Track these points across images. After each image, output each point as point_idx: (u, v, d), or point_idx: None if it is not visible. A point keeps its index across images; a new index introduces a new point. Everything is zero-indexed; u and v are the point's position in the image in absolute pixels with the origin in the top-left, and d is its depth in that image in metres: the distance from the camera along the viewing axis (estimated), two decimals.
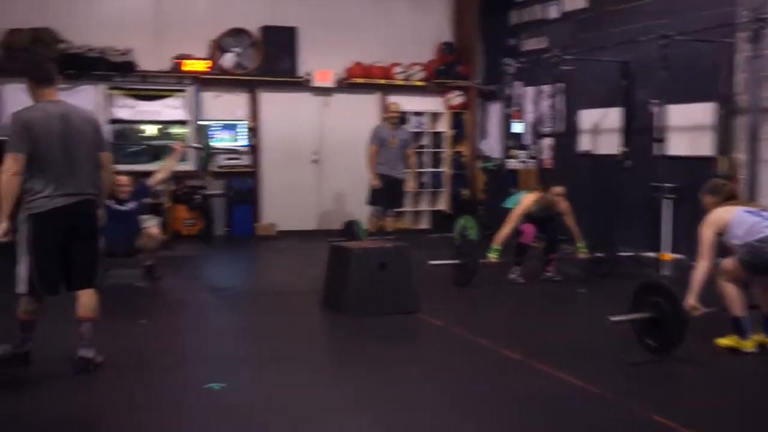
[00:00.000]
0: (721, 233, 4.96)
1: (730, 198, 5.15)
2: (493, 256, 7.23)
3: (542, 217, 7.47)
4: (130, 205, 7.30)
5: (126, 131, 10.72)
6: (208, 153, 7.73)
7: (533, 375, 4.53)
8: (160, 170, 7.68)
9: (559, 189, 7.51)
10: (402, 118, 9.81)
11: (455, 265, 7.29)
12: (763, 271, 4.89)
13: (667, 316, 4.77)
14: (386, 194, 9.40)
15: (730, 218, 4.94)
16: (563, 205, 7.54)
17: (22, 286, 4.46)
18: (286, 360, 4.85)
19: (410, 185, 9.65)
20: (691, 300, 4.82)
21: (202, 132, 7.94)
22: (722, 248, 5.05)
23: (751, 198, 7.11)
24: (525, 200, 7.48)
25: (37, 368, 4.56)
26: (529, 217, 7.38)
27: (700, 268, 4.87)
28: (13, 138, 4.30)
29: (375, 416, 3.91)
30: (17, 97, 9.85)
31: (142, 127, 10.75)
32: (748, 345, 4.91)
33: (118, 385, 4.35)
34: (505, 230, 7.33)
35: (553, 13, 10.63)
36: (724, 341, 5.01)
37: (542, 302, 6.79)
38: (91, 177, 4.53)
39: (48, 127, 4.37)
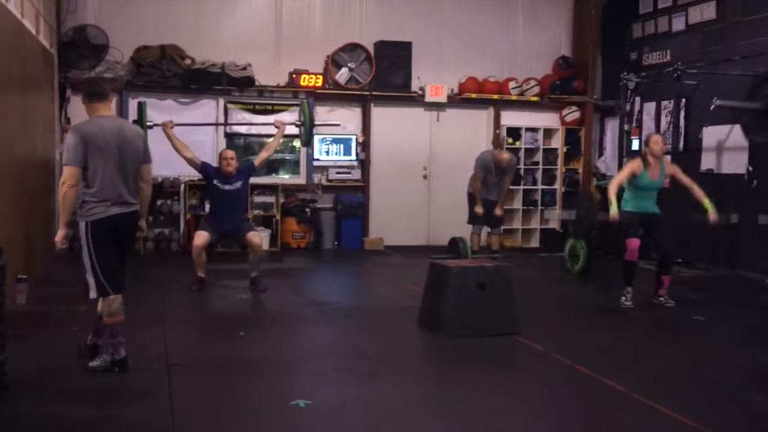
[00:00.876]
0: None
1: None
2: (613, 212, 6.88)
3: (649, 221, 6.99)
4: (237, 184, 7.52)
5: (242, 144, 11.06)
6: (309, 127, 7.79)
7: (638, 410, 4.22)
8: (265, 149, 7.91)
9: (655, 137, 7.06)
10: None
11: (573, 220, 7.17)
12: None
13: None
14: (485, 215, 9.37)
15: None
16: (669, 168, 7.09)
17: (93, 292, 4.70)
18: (377, 379, 4.78)
19: (498, 211, 9.47)
20: None
21: (304, 108, 8.02)
22: None
23: None
24: (628, 165, 7.13)
25: (129, 377, 4.69)
26: (635, 228, 6.93)
27: None
28: (71, 151, 4.51)
29: None
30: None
31: (258, 140, 11.06)
32: None
33: (205, 396, 4.39)
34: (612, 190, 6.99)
35: (678, 25, 10.15)
36: None
37: (652, 329, 6.39)
38: (137, 188, 4.79)
39: (105, 141, 4.57)
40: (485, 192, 9.34)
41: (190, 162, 7.81)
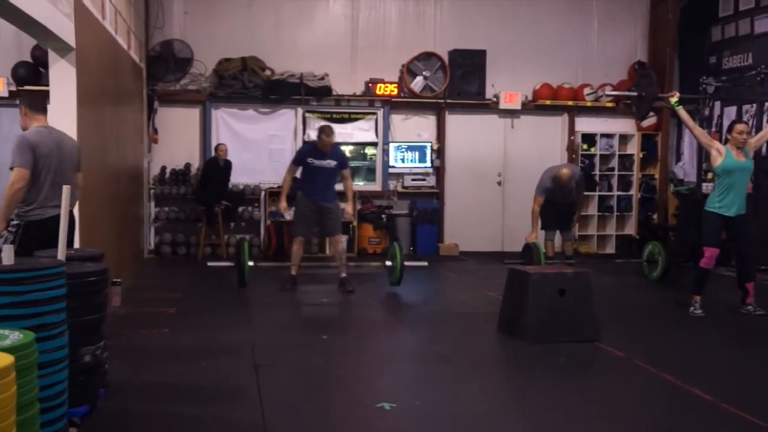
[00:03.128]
0: None
1: None
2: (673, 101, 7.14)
3: (737, 219, 6.74)
4: (329, 162, 7.82)
5: None
6: (399, 270, 7.93)
7: (727, 421, 4.17)
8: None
9: (741, 126, 6.82)
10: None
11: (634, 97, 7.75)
12: None
13: None
14: (554, 220, 9.28)
15: None
16: (751, 143, 6.81)
17: None
18: (458, 384, 4.87)
19: (574, 224, 9.50)
20: None
21: (395, 249, 8.07)
22: None
23: None
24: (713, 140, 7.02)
25: (219, 377, 4.90)
26: (717, 235, 6.74)
27: None
28: (23, 155, 4.82)
29: None
30: (225, 120, 10.84)
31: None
32: None
33: (293, 396, 4.56)
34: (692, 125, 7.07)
35: (761, 27, 9.94)
36: None
37: (736, 337, 6.30)
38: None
39: (48, 149, 4.91)
40: (554, 199, 9.09)
41: (294, 172, 8.13)
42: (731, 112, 10.22)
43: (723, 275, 6.92)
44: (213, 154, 10.46)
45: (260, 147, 10.98)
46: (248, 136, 10.94)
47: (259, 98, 10.74)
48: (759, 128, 9.27)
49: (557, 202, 9.20)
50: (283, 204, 7.98)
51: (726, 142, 6.92)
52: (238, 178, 10.62)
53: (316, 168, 7.81)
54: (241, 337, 5.92)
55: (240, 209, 10.65)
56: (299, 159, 8.01)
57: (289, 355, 5.52)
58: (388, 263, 7.90)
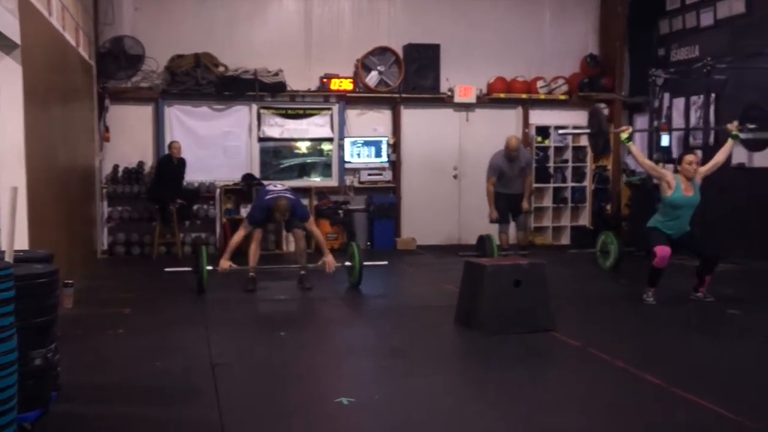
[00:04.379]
0: None
1: None
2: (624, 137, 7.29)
3: (687, 236, 7.00)
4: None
5: (275, 149, 11.26)
6: (358, 270, 7.81)
7: (678, 404, 4.27)
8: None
9: (690, 157, 6.96)
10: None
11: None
12: None
13: None
14: (506, 212, 9.45)
15: None
16: (701, 172, 6.94)
17: None
18: (416, 377, 4.89)
19: (525, 205, 9.63)
20: None
21: (353, 250, 7.90)
22: None
23: None
24: (666, 170, 7.14)
25: (175, 377, 4.86)
26: (669, 238, 6.89)
27: None
28: None
29: None
30: (178, 117, 10.71)
31: (290, 144, 11.26)
32: None
33: (251, 394, 4.53)
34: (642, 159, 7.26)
35: (707, 20, 10.15)
36: None
37: (688, 324, 6.44)
38: None
39: None
40: (503, 187, 9.40)
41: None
42: (680, 103, 10.42)
43: (679, 264, 7.06)
44: (167, 151, 10.33)
45: (215, 144, 10.88)
46: (202, 133, 10.83)
47: (213, 95, 10.64)
48: (706, 119, 9.50)
49: (509, 194, 9.32)
50: (226, 263, 7.52)
51: (677, 170, 7.03)
52: (193, 175, 10.51)
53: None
54: (198, 336, 5.87)
55: (195, 207, 10.54)
56: (255, 223, 7.78)
57: (246, 353, 5.49)
58: (347, 264, 7.88)
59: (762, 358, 5.29)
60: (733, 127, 7.30)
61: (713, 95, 9.66)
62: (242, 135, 10.96)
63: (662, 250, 6.73)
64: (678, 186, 6.83)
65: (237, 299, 7.41)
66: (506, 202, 9.41)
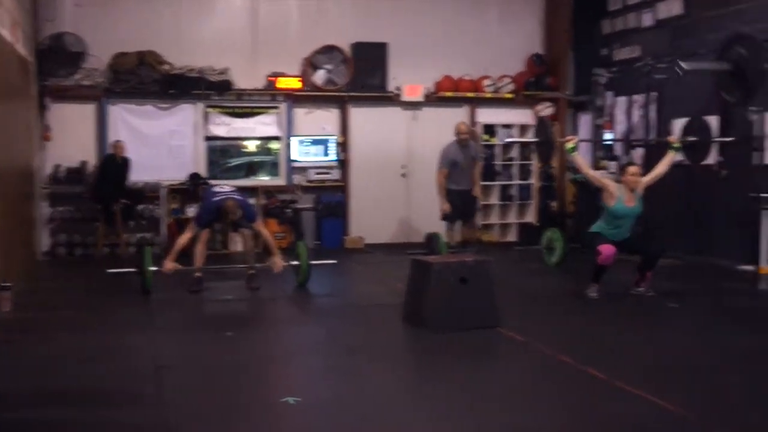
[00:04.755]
0: None
1: None
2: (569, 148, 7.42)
3: (629, 239, 7.13)
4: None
5: (222, 148, 11.15)
6: (305, 270, 7.80)
7: (619, 397, 4.36)
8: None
9: (632, 168, 7.15)
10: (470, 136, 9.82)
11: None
12: None
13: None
14: (458, 208, 9.51)
15: None
16: (642, 182, 7.11)
17: None
18: (363, 375, 4.90)
19: (476, 190, 9.84)
20: None
21: (300, 249, 7.91)
22: None
23: None
24: (609, 180, 7.26)
25: (123, 380, 4.78)
26: (613, 240, 7.01)
27: None
28: None
29: None
30: (122, 116, 10.53)
31: (238, 143, 11.17)
32: None
33: (197, 396, 4.49)
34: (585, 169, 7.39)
35: (647, 21, 10.37)
36: None
37: (629, 318, 6.59)
38: None
39: None
40: (454, 182, 9.46)
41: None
42: (622, 101, 10.62)
43: (622, 260, 7.22)
44: (110, 151, 10.14)
45: (160, 143, 10.71)
46: (147, 132, 10.65)
47: (158, 93, 10.48)
48: (647, 117, 9.71)
49: (460, 191, 9.40)
50: (171, 264, 7.39)
51: (620, 180, 7.17)
52: (137, 175, 10.34)
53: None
54: (143, 338, 5.79)
55: (140, 207, 10.37)
56: (203, 225, 7.66)
57: (192, 354, 5.43)
58: (295, 263, 7.84)
59: (700, 350, 5.44)
60: (674, 139, 7.53)
61: (654, 94, 9.86)
62: (188, 134, 10.82)
63: (607, 249, 6.87)
64: (620, 197, 7.00)
65: (183, 300, 7.32)
66: (458, 199, 9.46)
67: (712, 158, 8.80)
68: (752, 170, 7.88)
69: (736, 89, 5.44)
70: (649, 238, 7.33)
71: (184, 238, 7.58)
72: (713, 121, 8.77)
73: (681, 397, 4.28)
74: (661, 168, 7.22)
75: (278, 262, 7.63)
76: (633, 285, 7.20)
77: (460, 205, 9.51)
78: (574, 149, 7.42)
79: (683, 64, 5.60)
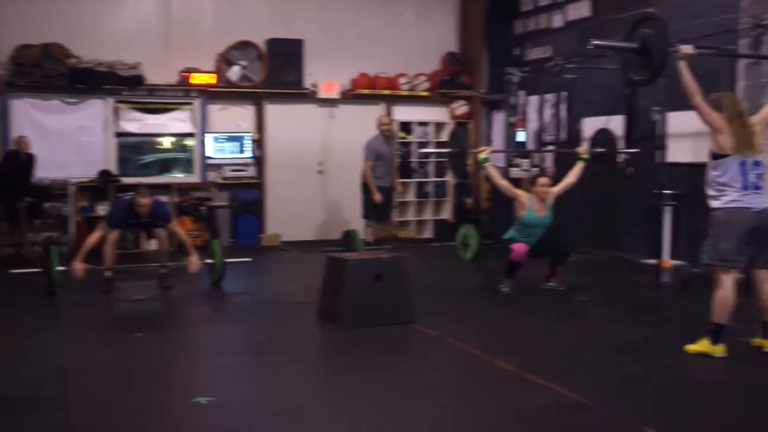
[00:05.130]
0: (715, 133, 4.97)
1: (739, 117, 4.97)
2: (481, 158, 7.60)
3: (540, 242, 7.30)
4: (146, 221, 7.46)
5: (133, 144, 10.88)
6: (219, 268, 7.68)
7: (526, 387, 4.49)
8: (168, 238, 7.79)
9: (543, 180, 7.38)
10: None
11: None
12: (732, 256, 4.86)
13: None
14: (381, 206, 9.62)
15: (728, 141, 4.89)
16: (553, 192, 7.34)
17: None
18: (277, 373, 4.88)
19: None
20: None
21: (214, 247, 7.78)
22: None
23: None
24: (521, 191, 7.41)
25: (25, 384, 4.62)
26: (526, 241, 7.20)
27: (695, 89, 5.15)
28: None
29: (366, 430, 3.90)
30: (26, 111, 10.14)
31: (150, 140, 10.92)
32: (719, 350, 4.94)
33: (104, 399, 4.37)
34: (497, 180, 7.54)
35: (557, 22, 10.64)
36: (694, 347, 5.04)
37: (540, 312, 6.76)
38: None
39: None
40: (378, 178, 9.57)
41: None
42: (534, 100, 10.87)
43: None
44: (13, 147, 9.75)
45: (68, 139, 10.35)
46: (54, 127, 10.28)
47: (65, 88, 10.12)
48: (558, 116, 9.97)
49: (382, 188, 9.53)
50: (80, 265, 7.16)
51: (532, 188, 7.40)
52: (44, 172, 9.96)
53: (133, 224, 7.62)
54: (49, 340, 5.61)
55: (47, 205, 10.01)
56: (114, 224, 7.43)
57: (99, 356, 5.28)
58: (209, 261, 7.72)
59: (604, 341, 5.63)
60: (582, 150, 7.76)
61: (565, 93, 10.13)
62: (97, 130, 10.50)
63: (519, 246, 7.06)
64: (531, 207, 7.20)
65: (92, 301, 7.10)
66: (383, 198, 9.60)
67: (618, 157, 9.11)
68: (655, 168, 8.17)
69: (644, 68, 5.81)
70: (558, 237, 7.55)
71: (93, 238, 7.36)
72: (619, 120, 9.09)
73: (585, 386, 4.44)
74: (571, 178, 7.47)
75: (194, 261, 7.50)
76: (544, 280, 7.41)
77: (382, 204, 9.61)
78: (486, 160, 7.58)
79: (594, 41, 6.13)
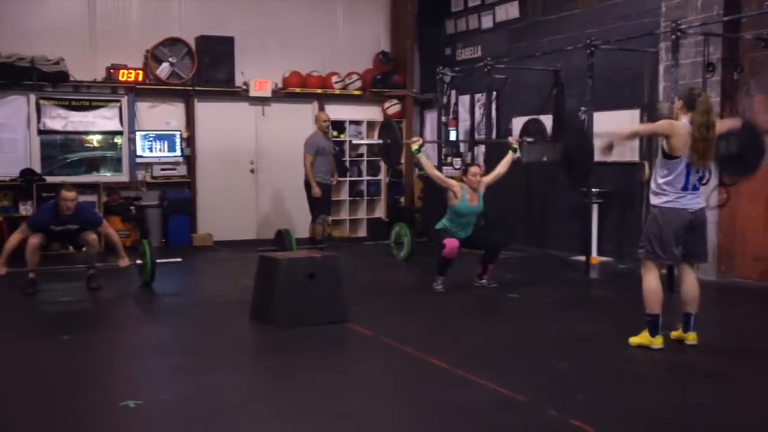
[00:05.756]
0: (667, 138, 4.97)
1: (706, 128, 4.89)
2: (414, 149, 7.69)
3: (474, 235, 7.41)
4: (69, 227, 7.20)
5: (58, 142, 10.56)
6: (149, 270, 7.52)
7: (459, 384, 4.53)
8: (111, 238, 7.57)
9: (474, 169, 7.45)
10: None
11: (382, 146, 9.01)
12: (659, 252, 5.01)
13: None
14: (326, 201, 9.66)
15: (681, 144, 4.91)
16: (484, 182, 7.43)
17: None
18: (208, 374, 4.80)
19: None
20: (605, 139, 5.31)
21: (144, 248, 7.60)
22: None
23: None
24: (453, 181, 7.46)
25: None
26: (459, 233, 7.30)
27: (629, 129, 5.24)
28: None
29: (301, 430, 3.89)
30: None
31: (76, 138, 10.61)
32: (658, 342, 5.08)
33: (25, 404, 4.24)
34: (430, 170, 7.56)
35: (487, 23, 10.80)
36: (636, 340, 5.17)
37: (472, 309, 6.85)
38: None
39: None
40: (319, 174, 9.61)
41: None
42: (465, 100, 11.01)
43: (466, 253, 7.50)
44: None
45: None
46: None
47: None
48: (489, 114, 10.11)
49: (324, 184, 9.58)
50: (2, 269, 6.99)
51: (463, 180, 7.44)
52: None
53: (58, 232, 7.30)
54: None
55: None
56: (36, 227, 7.19)
57: (22, 359, 5.11)
58: (138, 262, 7.55)
59: (534, 336, 5.74)
60: (513, 140, 7.89)
61: (495, 93, 10.28)
62: (20, 127, 10.16)
63: (451, 242, 7.13)
64: (464, 196, 7.27)
65: (14, 304, 6.88)
66: (326, 196, 9.70)
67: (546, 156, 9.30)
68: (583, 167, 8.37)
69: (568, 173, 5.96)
70: (491, 233, 7.66)
71: (14, 239, 7.12)
72: (548, 120, 9.27)
73: (516, 381, 4.51)
74: (502, 169, 7.57)
75: (124, 261, 7.35)
76: (476, 277, 7.49)
77: (326, 199, 9.70)
78: (419, 150, 7.63)
79: (528, 139, 6.48)
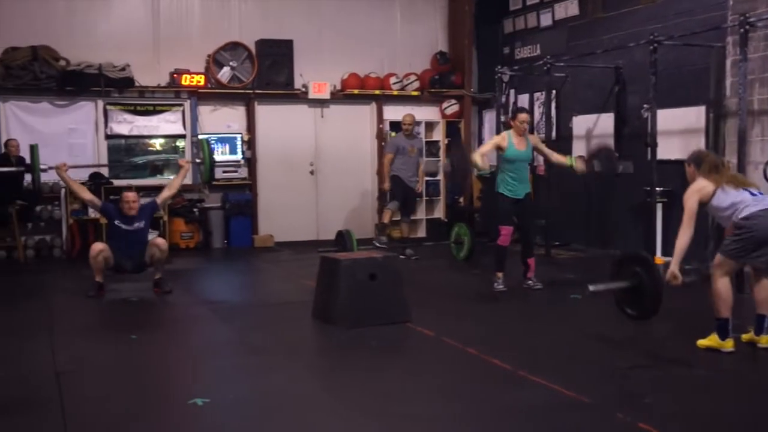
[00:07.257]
0: (704, 202, 5.01)
1: (714, 169, 5.06)
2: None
3: (521, 204, 7.28)
4: (140, 224, 7.39)
5: (124, 146, 10.85)
6: (209, 167, 7.77)
7: (523, 385, 4.50)
8: (168, 187, 7.79)
9: (523, 116, 7.28)
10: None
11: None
12: (749, 252, 4.90)
13: (646, 285, 5.19)
14: (401, 198, 9.62)
15: (714, 190, 4.99)
16: (533, 139, 7.39)
17: None
18: (273, 374, 4.87)
19: (419, 186, 9.99)
20: (673, 268, 4.97)
21: (203, 145, 7.97)
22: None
23: None
24: (493, 138, 7.40)
25: (16, 387, 4.62)
26: (509, 216, 7.24)
27: (683, 237, 4.95)
28: None
29: (365, 431, 3.91)
30: (15, 114, 10.10)
31: (141, 141, 10.88)
32: (728, 345, 4.95)
33: (99, 401, 4.36)
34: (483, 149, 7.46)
35: (546, 21, 10.69)
36: (704, 342, 5.05)
37: (534, 309, 6.79)
38: None
39: None
40: (400, 169, 9.57)
41: (90, 203, 7.76)
42: (524, 99, 10.92)
43: (517, 251, 7.47)
44: (2, 150, 9.71)
45: (58, 142, 10.28)
46: (44, 130, 10.23)
47: (54, 90, 10.10)
48: (548, 114, 10.00)
49: (405, 184, 9.53)
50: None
51: (509, 128, 7.41)
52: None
53: (124, 231, 7.41)
54: (41, 343, 5.58)
55: (38, 208, 9.98)
56: (107, 210, 7.56)
57: (94, 359, 5.27)
58: (198, 160, 8.07)
59: (598, 337, 5.66)
60: (577, 162, 7.53)
61: (554, 91, 10.18)
62: (88, 132, 10.48)
63: (506, 229, 7.18)
64: (510, 141, 7.18)
65: (85, 305, 7.07)
66: (402, 191, 9.58)
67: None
68: (646, 165, 8.21)
69: (636, 305, 5.56)
70: (530, 219, 7.53)
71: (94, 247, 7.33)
72: (609, 118, 9.13)
73: (581, 383, 4.45)
74: (552, 156, 7.52)
75: (184, 160, 7.87)
76: (522, 278, 7.39)
77: (402, 195, 9.61)
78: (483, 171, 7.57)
79: (591, 288, 5.86)
